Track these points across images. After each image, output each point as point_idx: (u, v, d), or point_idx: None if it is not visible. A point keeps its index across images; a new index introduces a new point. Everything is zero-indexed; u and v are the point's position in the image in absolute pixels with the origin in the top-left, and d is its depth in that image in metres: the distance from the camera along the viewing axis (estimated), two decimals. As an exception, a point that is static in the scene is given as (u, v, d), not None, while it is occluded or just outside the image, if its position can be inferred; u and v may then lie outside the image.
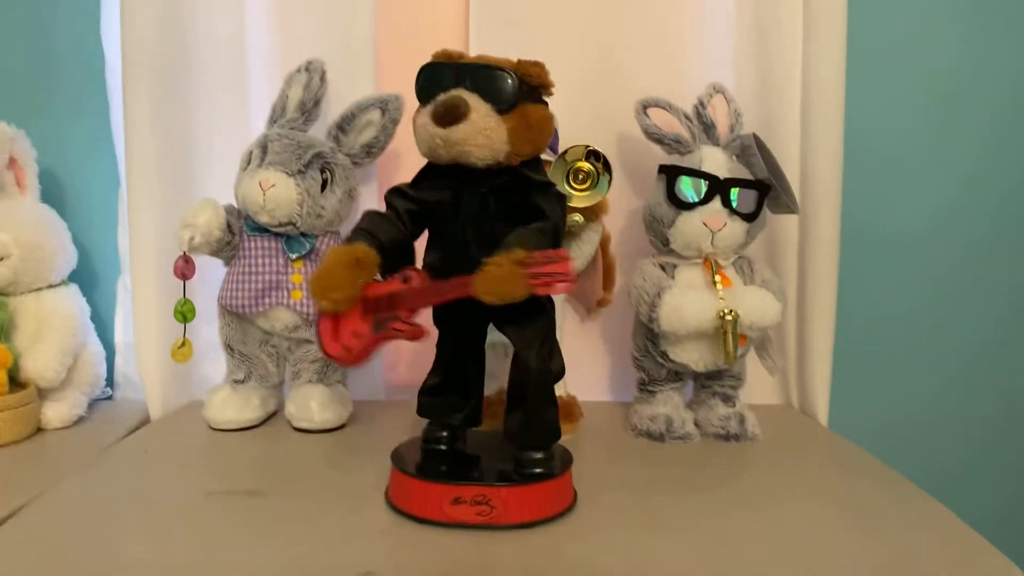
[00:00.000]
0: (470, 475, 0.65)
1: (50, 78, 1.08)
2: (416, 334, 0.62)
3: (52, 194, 1.03)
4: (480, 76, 0.62)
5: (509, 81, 0.62)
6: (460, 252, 0.63)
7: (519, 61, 0.64)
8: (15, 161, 0.96)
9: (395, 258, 0.64)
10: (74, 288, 1.01)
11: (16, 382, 0.91)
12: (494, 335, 0.73)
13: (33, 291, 0.96)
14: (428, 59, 0.66)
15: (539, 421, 0.65)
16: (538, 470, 0.64)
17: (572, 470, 0.68)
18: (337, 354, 0.63)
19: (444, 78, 0.63)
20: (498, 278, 0.56)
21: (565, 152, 0.82)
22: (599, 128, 0.98)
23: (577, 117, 0.96)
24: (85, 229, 1.06)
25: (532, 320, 0.63)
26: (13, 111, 0.99)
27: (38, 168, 0.99)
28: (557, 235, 0.63)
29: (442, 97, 0.61)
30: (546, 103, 0.66)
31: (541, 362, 0.63)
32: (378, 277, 0.64)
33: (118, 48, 0.93)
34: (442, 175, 0.65)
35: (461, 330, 0.69)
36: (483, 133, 0.60)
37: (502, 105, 0.61)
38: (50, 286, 0.97)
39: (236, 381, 0.91)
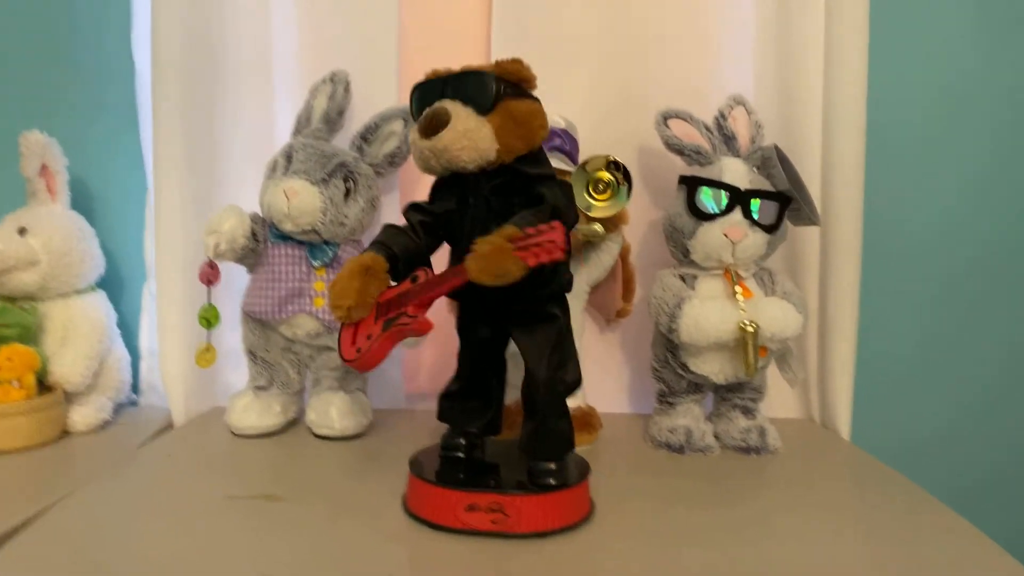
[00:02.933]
0: (485, 482, 0.65)
1: (82, 88, 1.10)
2: (422, 326, 0.63)
3: (82, 201, 1.05)
4: (458, 83, 0.64)
5: (485, 81, 0.63)
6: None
7: (497, 61, 0.65)
8: (47, 168, 0.98)
9: (409, 267, 0.66)
10: (101, 294, 1.03)
11: (43, 385, 0.92)
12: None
13: (61, 296, 0.97)
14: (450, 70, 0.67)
15: (550, 432, 0.65)
16: (551, 480, 0.64)
17: (590, 480, 0.68)
18: (352, 358, 0.64)
19: (431, 93, 0.65)
20: (486, 255, 0.56)
21: (585, 162, 0.83)
22: (619, 139, 0.98)
23: (597, 128, 0.97)
24: (113, 236, 1.08)
25: (541, 326, 0.64)
26: (45, 120, 1.01)
27: (69, 176, 1.01)
28: (557, 216, 0.62)
29: (425, 111, 0.63)
30: (534, 98, 0.67)
31: (551, 371, 0.64)
32: (393, 284, 0.66)
33: (148, 59, 0.95)
34: (449, 186, 0.67)
35: (481, 339, 0.69)
36: (465, 136, 0.62)
37: (482, 106, 0.63)
38: (78, 292, 0.99)
39: (258, 388, 0.92)
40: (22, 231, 0.94)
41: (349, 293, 0.63)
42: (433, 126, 0.62)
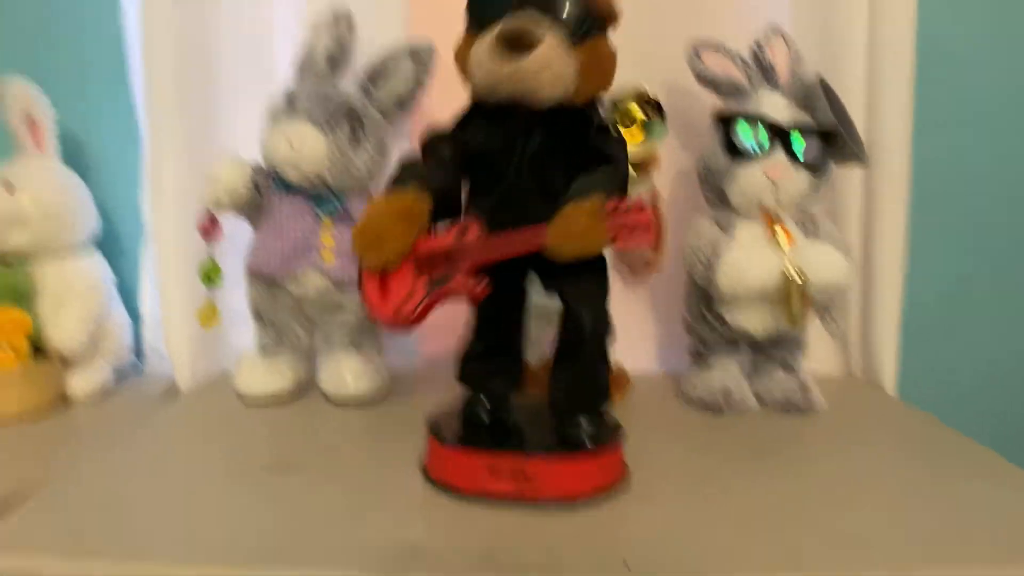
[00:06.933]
0: (508, 444, 0.60)
1: (68, 36, 1.04)
2: (479, 292, 0.57)
3: (73, 157, 0.99)
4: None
5: (583, 7, 0.55)
6: (517, 202, 0.58)
7: None
8: (33, 119, 0.92)
9: (444, 209, 0.59)
10: (98, 255, 0.98)
11: (40, 351, 0.88)
12: (536, 298, 0.68)
13: (55, 257, 0.92)
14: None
15: (590, 382, 0.60)
16: (584, 438, 0.59)
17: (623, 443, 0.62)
18: (388, 317, 0.58)
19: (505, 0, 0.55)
20: (577, 230, 0.51)
21: (612, 93, 0.75)
22: (644, 74, 0.90)
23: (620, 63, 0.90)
24: (107, 194, 1.02)
25: (591, 274, 0.58)
26: (32, 71, 0.95)
27: (59, 130, 0.95)
28: (626, 182, 0.58)
29: (508, 22, 0.53)
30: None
31: (596, 320, 0.58)
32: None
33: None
34: (492, 117, 0.58)
35: (502, 288, 0.62)
36: (557, 64, 0.53)
37: (576, 34, 0.54)
38: (72, 252, 0.94)
39: (265, 349, 0.87)
40: (8, 186, 0.88)
41: (393, 238, 0.56)
42: (520, 45, 0.52)
